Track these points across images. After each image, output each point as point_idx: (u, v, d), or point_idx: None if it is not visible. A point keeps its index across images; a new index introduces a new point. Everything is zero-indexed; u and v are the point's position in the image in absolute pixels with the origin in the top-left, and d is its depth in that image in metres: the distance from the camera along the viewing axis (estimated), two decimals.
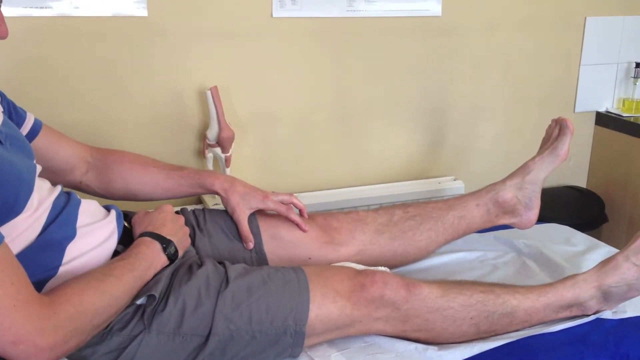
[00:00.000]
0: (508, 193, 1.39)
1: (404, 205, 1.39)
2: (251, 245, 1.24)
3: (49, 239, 0.96)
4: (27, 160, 1.00)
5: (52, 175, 1.20)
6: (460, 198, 1.42)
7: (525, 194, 1.40)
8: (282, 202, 1.28)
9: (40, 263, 0.94)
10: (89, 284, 0.90)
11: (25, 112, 1.16)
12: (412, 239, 1.34)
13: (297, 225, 1.27)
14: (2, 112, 1.04)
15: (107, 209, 1.14)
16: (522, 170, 1.42)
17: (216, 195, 1.69)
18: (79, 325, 0.86)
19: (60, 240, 0.98)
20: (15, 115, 1.13)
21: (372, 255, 1.31)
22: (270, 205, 1.27)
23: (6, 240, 0.83)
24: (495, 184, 1.42)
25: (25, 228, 0.93)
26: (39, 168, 1.04)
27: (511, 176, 1.42)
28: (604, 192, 2.20)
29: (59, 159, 1.22)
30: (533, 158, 1.43)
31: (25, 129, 1.15)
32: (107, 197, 1.30)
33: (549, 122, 1.48)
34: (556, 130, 1.44)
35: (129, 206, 1.27)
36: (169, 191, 1.29)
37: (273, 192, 1.29)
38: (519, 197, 1.40)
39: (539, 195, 1.41)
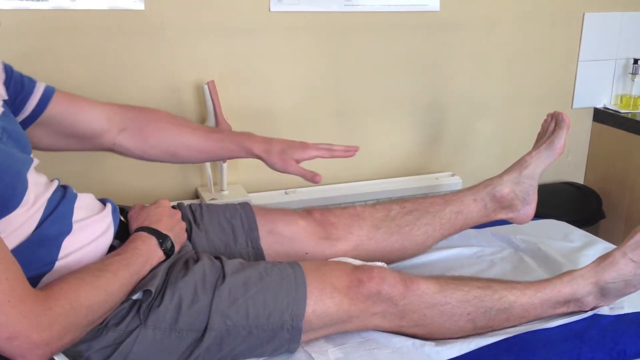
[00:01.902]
0: (505, 188, 1.39)
1: (402, 200, 1.39)
2: (318, 178, 1.24)
3: (44, 234, 0.95)
4: (23, 155, 0.99)
5: (80, 141, 1.20)
6: (457, 193, 1.42)
7: (522, 189, 1.40)
8: (321, 147, 1.29)
9: (36, 258, 0.94)
10: (84, 279, 0.90)
11: (34, 82, 1.13)
12: (409, 234, 1.33)
13: (346, 151, 1.28)
14: (1, 105, 1.02)
15: (103, 202, 1.13)
16: (519, 164, 1.42)
17: (212, 190, 1.71)
18: (74, 321, 0.85)
19: (56, 235, 0.97)
20: (21, 88, 1.10)
21: (369, 250, 1.31)
22: (313, 152, 1.27)
23: (1, 235, 0.82)
24: (492, 178, 1.42)
25: (21, 223, 0.92)
26: (35, 161, 1.03)
27: (508, 171, 1.42)
28: (602, 188, 2.20)
29: (79, 123, 1.19)
30: (530, 152, 1.43)
31: (35, 98, 1.12)
32: (143, 157, 1.28)
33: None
34: (552, 125, 1.44)
35: (125, 200, 1.26)
36: (208, 153, 1.29)
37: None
38: (516, 192, 1.40)
39: (536, 190, 1.41)
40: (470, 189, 1.41)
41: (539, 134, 1.48)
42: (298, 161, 1.26)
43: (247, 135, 1.29)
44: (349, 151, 1.29)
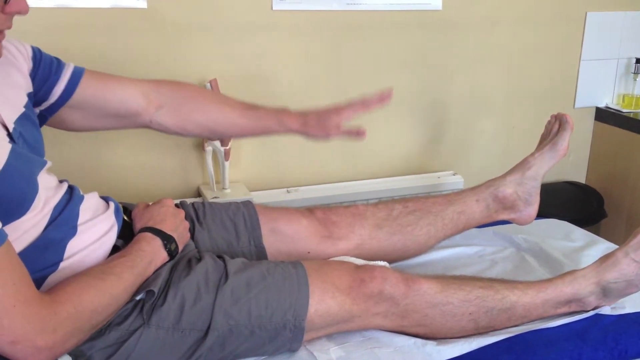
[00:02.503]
0: (508, 189, 1.39)
1: (404, 200, 1.39)
2: (362, 130, 1.20)
3: (50, 238, 0.95)
4: (37, 159, 0.98)
5: (116, 121, 1.20)
6: (459, 193, 1.42)
7: (525, 190, 1.40)
8: (354, 104, 1.24)
9: (41, 261, 0.94)
10: (89, 283, 0.90)
11: (62, 65, 1.12)
12: (411, 233, 1.34)
13: (380, 100, 1.21)
14: (24, 105, 1.01)
15: (106, 200, 1.13)
16: (522, 165, 1.42)
17: (215, 189, 1.71)
18: (79, 325, 0.86)
19: (61, 239, 0.98)
20: (49, 72, 1.09)
21: (371, 249, 1.31)
22: (348, 112, 1.22)
23: (9, 238, 0.82)
24: (495, 179, 1.42)
25: (28, 228, 0.93)
26: (48, 164, 1.02)
27: (511, 172, 1.42)
28: (603, 187, 2.20)
29: (113, 103, 1.18)
30: (533, 154, 1.43)
31: (63, 82, 1.11)
32: (181, 134, 1.28)
33: (549, 118, 1.48)
34: (556, 126, 1.44)
35: (127, 198, 1.26)
36: (246, 129, 1.27)
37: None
38: (519, 193, 1.40)
39: (538, 191, 1.41)
40: (472, 189, 1.41)
41: (543, 135, 1.48)
42: (337, 125, 1.23)
43: (283, 111, 1.26)
44: (383, 98, 1.22)
